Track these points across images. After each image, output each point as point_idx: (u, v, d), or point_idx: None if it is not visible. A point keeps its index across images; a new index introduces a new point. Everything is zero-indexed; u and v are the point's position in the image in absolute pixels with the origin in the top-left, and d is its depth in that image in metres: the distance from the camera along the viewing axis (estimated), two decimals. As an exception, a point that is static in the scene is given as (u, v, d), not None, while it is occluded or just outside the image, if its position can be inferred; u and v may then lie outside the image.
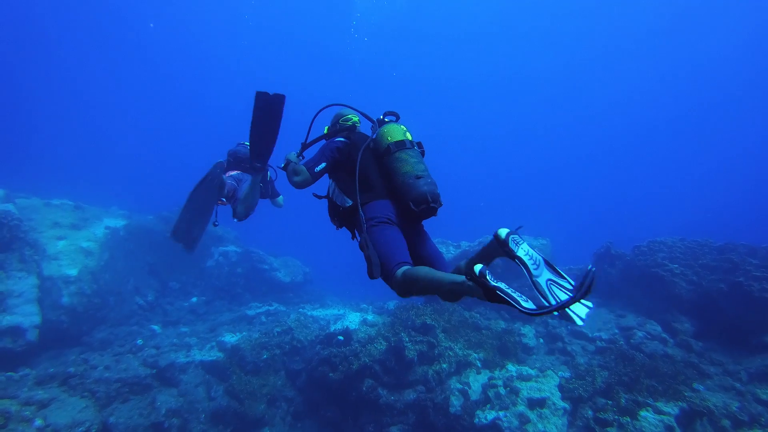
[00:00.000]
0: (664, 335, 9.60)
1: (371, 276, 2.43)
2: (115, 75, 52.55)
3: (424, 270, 2.18)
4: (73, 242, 12.68)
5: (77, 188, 20.66)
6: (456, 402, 8.38)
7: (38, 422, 7.66)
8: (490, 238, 1.97)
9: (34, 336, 10.01)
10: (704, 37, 42.11)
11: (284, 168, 3.13)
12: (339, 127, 3.38)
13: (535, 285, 1.87)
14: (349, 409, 9.19)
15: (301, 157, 3.25)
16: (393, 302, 14.09)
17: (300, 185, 3.02)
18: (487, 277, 1.74)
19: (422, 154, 2.99)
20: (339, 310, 14.31)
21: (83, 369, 9.50)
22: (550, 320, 10.86)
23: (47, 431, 7.63)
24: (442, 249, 13.80)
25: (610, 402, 7.62)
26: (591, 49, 49.02)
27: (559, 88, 55.50)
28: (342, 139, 3.15)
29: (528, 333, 10.38)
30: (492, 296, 1.72)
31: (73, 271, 11.70)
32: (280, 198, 5.70)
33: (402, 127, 2.99)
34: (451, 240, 14.72)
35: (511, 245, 2.00)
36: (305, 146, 3.31)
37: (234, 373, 10.14)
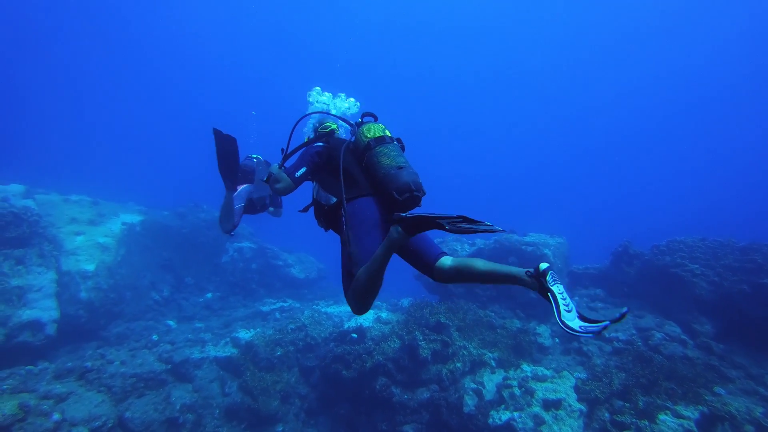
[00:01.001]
0: (683, 337, 9.39)
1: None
2: (133, 73, 53.27)
3: (360, 273, 2.29)
4: (91, 237, 12.85)
5: (95, 183, 20.96)
6: (470, 401, 8.30)
7: (56, 416, 7.76)
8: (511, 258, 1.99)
9: (52, 330, 10.18)
10: (723, 24, 41.25)
11: (267, 180, 3.21)
12: (318, 134, 3.50)
13: (563, 324, 1.89)
14: (362, 406, 9.18)
15: (282, 168, 3.31)
16: (407, 300, 14.04)
17: (282, 191, 3.09)
18: (402, 214, 2.07)
19: (402, 148, 3.03)
20: (353, 307, 14.29)
21: (100, 364, 9.61)
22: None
23: (64, 425, 7.72)
24: (456, 246, 13.68)
25: (627, 404, 7.48)
26: (607, 42, 48.25)
27: (572, 83, 54.86)
28: (321, 144, 3.24)
29: (543, 333, 10.25)
30: (411, 225, 2.04)
31: (90, 266, 11.86)
32: (281, 210, 5.76)
33: (380, 125, 3.06)
34: (465, 237, 14.60)
35: (549, 279, 2.03)
36: (286, 157, 3.35)
37: (248, 369, 10.17)
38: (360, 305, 2.36)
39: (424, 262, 2.52)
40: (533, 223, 15.49)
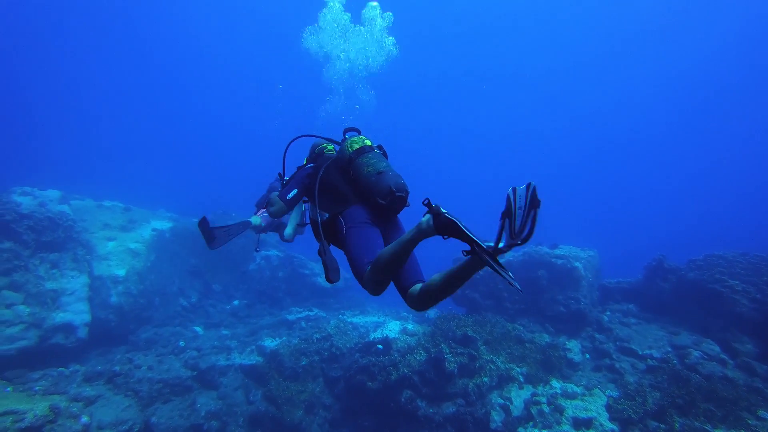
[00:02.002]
0: (723, 356, 8.98)
1: (329, 281, 2.68)
2: (170, 80, 54.80)
3: (384, 250, 2.26)
4: (122, 243, 13.14)
5: (129, 189, 21.52)
6: (497, 417, 8.11)
7: (85, 419, 7.89)
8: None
9: (84, 333, 10.42)
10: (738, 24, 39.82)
11: (265, 206, 3.41)
12: (314, 156, 3.65)
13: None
14: (386, 419, 9.04)
15: (276, 192, 3.44)
16: (434, 311, 13.85)
17: (275, 214, 3.30)
18: (442, 209, 1.88)
19: (384, 155, 3.17)
20: (379, 318, 14.19)
21: (128, 368, 9.76)
22: (597, 335, 10.40)
23: (92, 428, 7.84)
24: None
25: (662, 425, 7.18)
26: (641, 42, 46.96)
27: (599, 89, 53.77)
28: (311, 165, 3.44)
29: (573, 348, 9.96)
30: (442, 226, 1.83)
31: (121, 272, 12.10)
32: (304, 228, 5.73)
33: (361, 137, 3.23)
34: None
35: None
36: (283, 183, 3.49)
37: (273, 378, 10.16)
38: (376, 286, 2.33)
39: (401, 284, 2.46)
40: (562, 234, 15.12)
